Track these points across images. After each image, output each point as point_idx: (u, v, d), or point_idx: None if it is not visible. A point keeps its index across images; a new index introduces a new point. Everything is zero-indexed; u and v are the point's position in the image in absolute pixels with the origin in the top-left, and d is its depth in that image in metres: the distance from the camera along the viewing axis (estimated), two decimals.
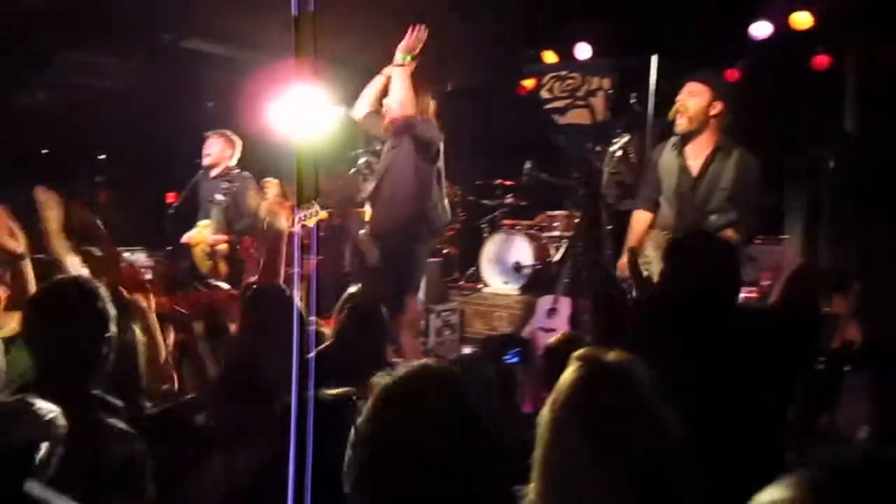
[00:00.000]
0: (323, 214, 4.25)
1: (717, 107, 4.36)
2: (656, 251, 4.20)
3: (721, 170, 4.31)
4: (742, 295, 6.65)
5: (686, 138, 4.45)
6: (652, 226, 4.62)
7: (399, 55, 5.15)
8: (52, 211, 3.05)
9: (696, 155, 4.43)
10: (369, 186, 5.51)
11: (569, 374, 1.72)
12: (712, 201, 4.31)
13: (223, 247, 6.06)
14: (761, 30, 7.04)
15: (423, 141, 5.18)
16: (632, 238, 4.66)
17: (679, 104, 4.41)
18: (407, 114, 5.10)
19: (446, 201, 5.48)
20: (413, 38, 5.15)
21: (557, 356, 2.89)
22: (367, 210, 5.78)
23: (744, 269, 6.76)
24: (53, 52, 7.38)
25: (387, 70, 5.34)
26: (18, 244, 2.81)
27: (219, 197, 6.02)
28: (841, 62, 7.01)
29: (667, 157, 4.55)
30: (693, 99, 4.38)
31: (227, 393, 2.56)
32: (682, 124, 4.41)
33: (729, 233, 4.21)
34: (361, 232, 6.20)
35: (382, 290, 4.90)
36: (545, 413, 1.70)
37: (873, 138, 6.37)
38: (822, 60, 7.18)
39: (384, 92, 5.34)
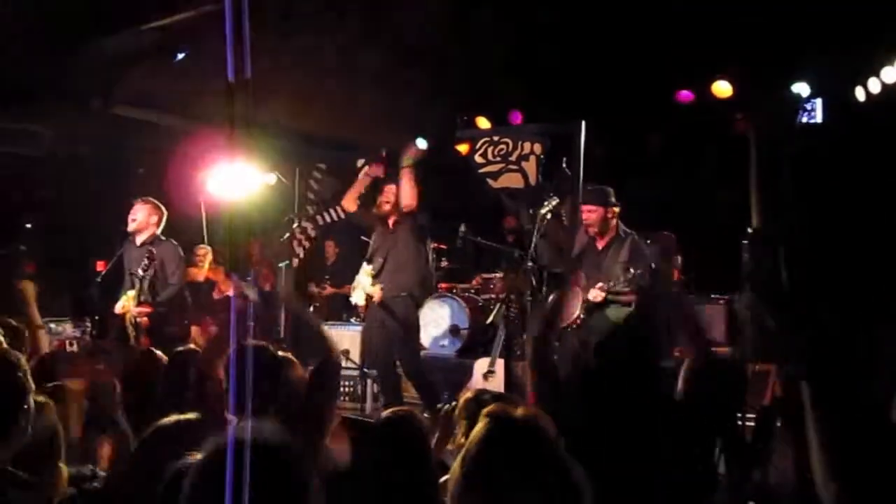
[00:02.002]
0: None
1: (612, 212, 5.77)
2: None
3: (619, 249, 5.70)
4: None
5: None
6: None
7: (406, 160, 6.48)
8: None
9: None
10: (376, 264, 6.46)
11: (478, 429, 1.76)
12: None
13: (144, 319, 5.98)
14: (684, 97, 7.30)
15: (422, 224, 6.51)
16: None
17: (585, 220, 5.80)
18: (413, 207, 6.37)
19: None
20: (416, 150, 6.74)
21: (468, 412, 3.03)
22: (363, 282, 6.49)
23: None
24: None
25: (366, 170, 7.01)
26: None
27: (140, 271, 5.97)
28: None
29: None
30: (592, 215, 5.76)
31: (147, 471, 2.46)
32: (591, 231, 5.83)
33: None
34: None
35: (403, 352, 6.32)
36: (455, 468, 1.74)
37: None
38: (740, 126, 7.46)
39: (368, 188, 6.74)
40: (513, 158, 9.01)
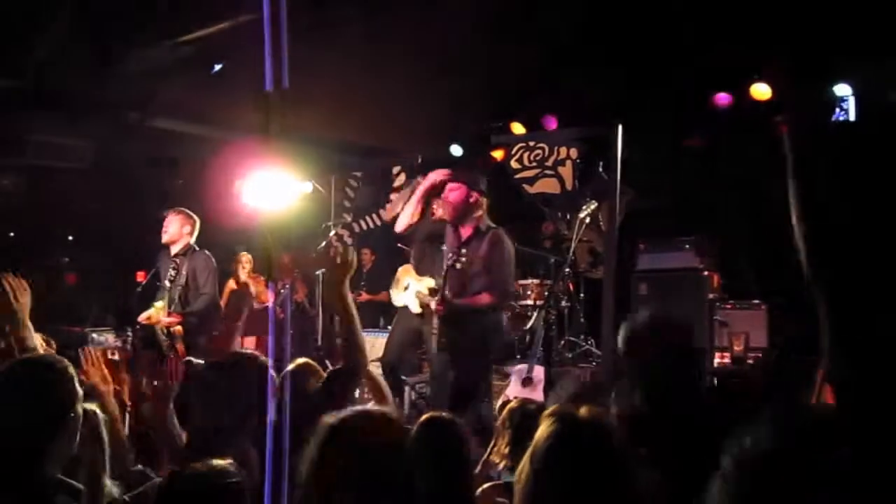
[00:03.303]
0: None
1: (474, 196, 5.33)
2: None
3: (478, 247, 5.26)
4: (717, 360, 6.72)
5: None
6: None
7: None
8: (22, 297, 3.04)
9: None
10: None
11: (545, 430, 1.81)
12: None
13: (178, 328, 6.04)
14: (723, 100, 7.20)
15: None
16: None
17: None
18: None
19: None
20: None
21: (512, 422, 3.12)
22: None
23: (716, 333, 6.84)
24: (22, 136, 7.37)
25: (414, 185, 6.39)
26: None
27: (167, 281, 6.05)
28: None
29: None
30: (452, 193, 5.34)
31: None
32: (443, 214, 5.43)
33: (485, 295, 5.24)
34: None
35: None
36: (523, 469, 1.80)
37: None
38: (779, 128, 7.35)
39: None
40: (549, 163, 8.97)
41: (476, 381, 5.38)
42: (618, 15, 5.74)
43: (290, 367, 3.06)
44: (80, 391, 2.31)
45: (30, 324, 3.04)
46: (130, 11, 5.42)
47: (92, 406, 2.63)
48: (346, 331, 3.16)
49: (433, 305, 5.37)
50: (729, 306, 6.93)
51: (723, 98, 7.12)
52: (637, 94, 6.64)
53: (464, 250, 5.26)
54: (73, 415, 2.23)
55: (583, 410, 1.85)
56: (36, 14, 5.51)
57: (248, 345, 6.78)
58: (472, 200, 5.33)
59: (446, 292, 5.24)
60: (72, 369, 2.33)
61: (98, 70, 6.03)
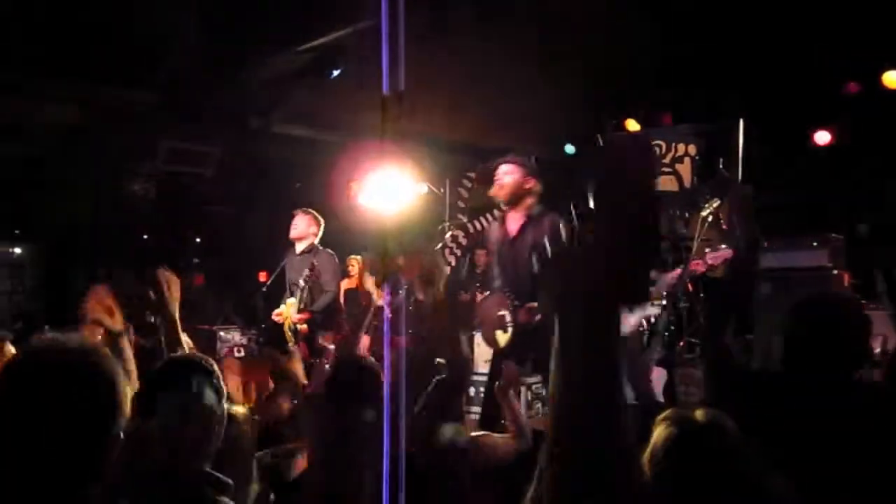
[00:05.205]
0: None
1: (530, 181, 5.03)
2: None
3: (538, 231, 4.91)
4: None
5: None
6: None
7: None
8: (174, 291, 3.13)
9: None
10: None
11: (660, 434, 1.79)
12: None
13: (303, 327, 6.21)
14: (852, 89, 6.87)
15: None
16: None
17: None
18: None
19: None
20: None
21: None
22: None
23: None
24: (154, 143, 7.75)
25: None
26: (115, 322, 2.90)
27: (301, 281, 6.21)
28: None
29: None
30: (507, 175, 5.04)
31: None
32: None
33: None
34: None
35: None
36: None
37: None
38: None
39: None
40: (666, 161, 8.73)
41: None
42: (738, 4, 5.57)
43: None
44: (225, 390, 2.36)
45: (178, 322, 3.14)
46: (254, 22, 5.63)
47: (240, 410, 2.72)
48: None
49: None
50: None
51: (852, 88, 6.80)
52: (760, 86, 6.41)
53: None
54: (219, 413, 2.30)
55: (699, 413, 1.81)
56: (166, 28, 5.79)
57: (363, 344, 6.89)
58: (527, 186, 5.07)
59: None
60: (217, 369, 2.40)
61: (224, 79, 6.29)
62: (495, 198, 5.25)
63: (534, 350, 4.94)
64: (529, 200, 5.07)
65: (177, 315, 3.08)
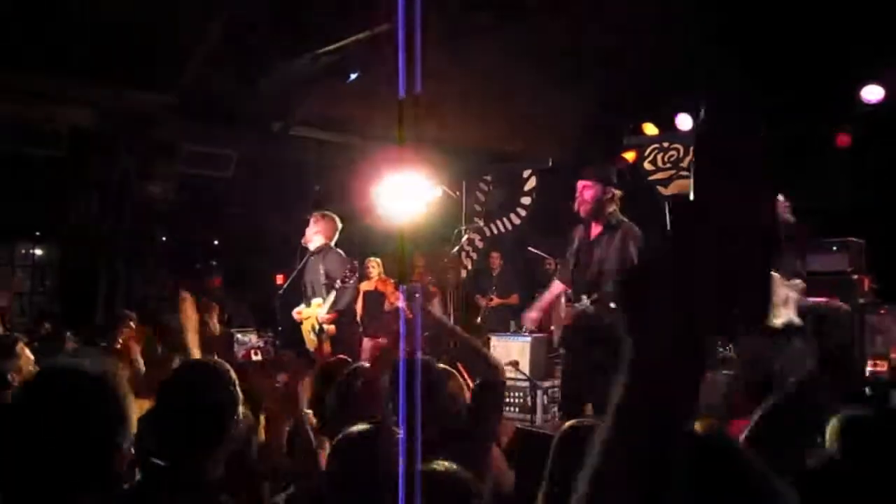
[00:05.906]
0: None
1: (610, 192, 5.26)
2: None
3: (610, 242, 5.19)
4: (870, 368, 6.34)
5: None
6: None
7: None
8: (190, 312, 3.19)
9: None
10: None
11: None
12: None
13: (331, 327, 6.18)
14: (872, 94, 6.81)
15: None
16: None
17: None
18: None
19: None
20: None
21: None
22: None
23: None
24: (174, 145, 7.81)
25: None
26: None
27: (339, 281, 6.15)
28: None
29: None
30: (587, 191, 5.27)
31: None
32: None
33: None
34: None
35: None
36: None
37: None
38: None
39: None
40: (684, 164, 8.72)
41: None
42: (755, 7, 5.55)
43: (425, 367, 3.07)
44: (240, 395, 2.35)
45: (195, 337, 3.19)
46: (274, 26, 5.67)
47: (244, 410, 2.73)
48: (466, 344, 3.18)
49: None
50: (883, 311, 6.52)
51: (872, 91, 6.75)
52: (777, 90, 6.38)
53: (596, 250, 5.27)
54: (235, 417, 2.30)
55: (698, 425, 1.80)
56: (188, 32, 5.85)
57: (366, 346, 6.88)
58: (607, 197, 5.30)
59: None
60: (233, 373, 2.39)
61: (244, 83, 6.33)
62: (578, 213, 5.44)
63: None
64: (610, 209, 5.30)
65: (192, 334, 3.14)
